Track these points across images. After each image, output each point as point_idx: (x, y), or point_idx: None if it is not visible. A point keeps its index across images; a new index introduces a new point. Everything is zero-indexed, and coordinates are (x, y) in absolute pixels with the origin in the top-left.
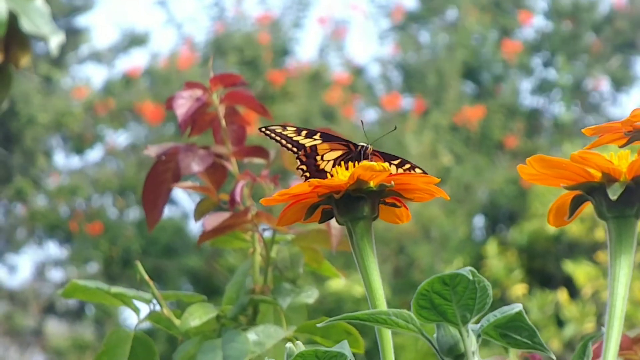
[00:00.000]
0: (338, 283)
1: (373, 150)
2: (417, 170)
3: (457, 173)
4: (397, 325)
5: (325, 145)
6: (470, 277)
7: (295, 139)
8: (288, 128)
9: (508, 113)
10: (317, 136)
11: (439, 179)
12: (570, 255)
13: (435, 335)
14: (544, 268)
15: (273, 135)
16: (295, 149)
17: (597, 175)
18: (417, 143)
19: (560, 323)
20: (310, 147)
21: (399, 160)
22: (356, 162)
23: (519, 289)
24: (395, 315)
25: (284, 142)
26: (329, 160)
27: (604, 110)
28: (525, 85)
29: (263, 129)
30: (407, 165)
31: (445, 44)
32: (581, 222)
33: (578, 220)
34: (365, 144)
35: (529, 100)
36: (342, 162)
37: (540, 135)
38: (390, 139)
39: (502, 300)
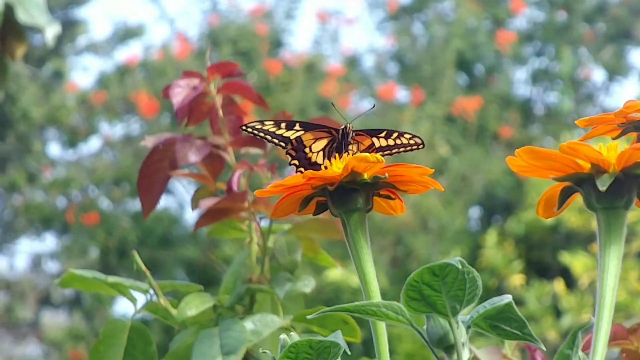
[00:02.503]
0: (336, 273)
1: (357, 130)
2: (407, 136)
3: (454, 164)
4: (387, 317)
5: (309, 135)
6: (460, 268)
7: (277, 132)
8: (266, 123)
9: (502, 103)
10: (297, 126)
11: (433, 170)
12: (567, 245)
13: (425, 327)
14: (541, 259)
15: (255, 132)
16: (282, 144)
17: (586, 166)
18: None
19: (557, 313)
20: (295, 139)
21: (385, 132)
22: (342, 147)
23: (517, 279)
24: (385, 307)
25: (269, 137)
26: (317, 152)
27: (597, 100)
28: (519, 75)
29: (244, 128)
30: (395, 135)
31: (439, 35)
32: (579, 212)
33: (575, 210)
34: (344, 125)
35: (523, 90)
36: (331, 151)
37: (535, 125)
38: None
39: (500, 291)
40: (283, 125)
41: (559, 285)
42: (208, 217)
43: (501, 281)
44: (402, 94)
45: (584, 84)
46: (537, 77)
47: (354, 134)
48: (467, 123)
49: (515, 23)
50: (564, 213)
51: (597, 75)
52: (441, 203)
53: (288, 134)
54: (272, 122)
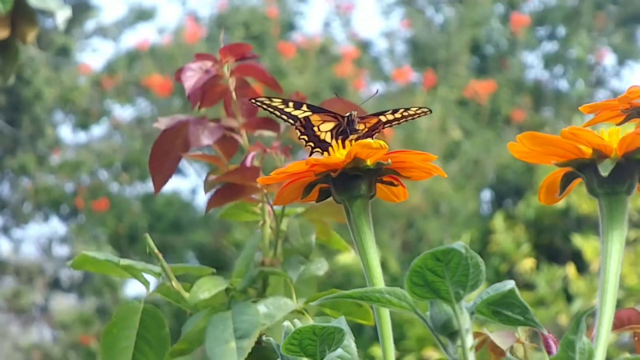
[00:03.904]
0: (347, 257)
1: (361, 116)
2: (413, 109)
3: (466, 148)
4: (390, 302)
5: (317, 117)
6: (463, 253)
7: (286, 110)
8: (274, 100)
9: (515, 87)
10: (304, 107)
11: (436, 157)
12: (577, 229)
13: (428, 313)
14: (551, 243)
15: (264, 106)
16: (290, 120)
17: (588, 151)
18: (426, 117)
19: (568, 298)
20: (304, 118)
21: (390, 110)
22: (348, 133)
23: (527, 263)
24: (388, 292)
25: (277, 113)
26: (326, 132)
27: (608, 83)
28: (531, 59)
29: (253, 100)
30: (401, 110)
31: (452, 19)
32: (589, 199)
33: (586, 197)
34: (349, 113)
35: (534, 73)
36: (338, 134)
37: (547, 109)
38: None
39: (510, 275)
40: (291, 104)
41: (570, 269)
42: (220, 196)
43: (512, 265)
44: (414, 77)
45: (595, 67)
46: (549, 61)
47: (359, 120)
48: (479, 106)
49: (528, 6)
50: (575, 199)
51: (608, 59)
52: (453, 187)
53: (296, 112)
54: (280, 100)
